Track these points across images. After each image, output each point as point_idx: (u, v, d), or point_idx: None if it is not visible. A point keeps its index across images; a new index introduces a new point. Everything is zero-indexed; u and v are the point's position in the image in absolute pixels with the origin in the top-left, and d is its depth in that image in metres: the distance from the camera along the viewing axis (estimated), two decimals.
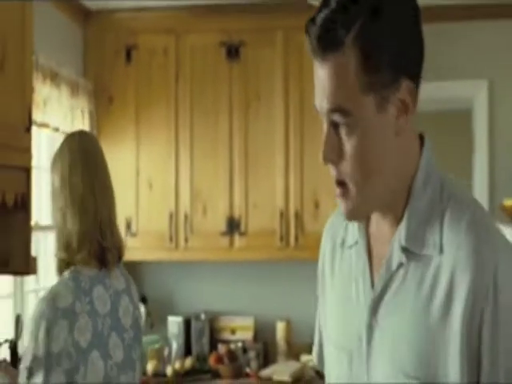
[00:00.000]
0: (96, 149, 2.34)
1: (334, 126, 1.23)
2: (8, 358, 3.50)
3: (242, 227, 4.63)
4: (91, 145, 2.33)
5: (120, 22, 4.72)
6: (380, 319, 1.26)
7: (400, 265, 1.24)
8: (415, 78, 1.23)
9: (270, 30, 4.61)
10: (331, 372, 1.42)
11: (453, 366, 1.16)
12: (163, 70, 4.72)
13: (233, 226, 4.64)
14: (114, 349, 2.23)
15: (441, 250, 1.19)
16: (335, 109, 1.21)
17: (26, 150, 3.24)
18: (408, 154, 1.25)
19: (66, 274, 2.19)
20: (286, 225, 4.58)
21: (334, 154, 1.23)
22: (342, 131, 1.22)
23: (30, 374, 2.07)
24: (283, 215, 4.58)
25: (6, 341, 3.55)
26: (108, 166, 2.37)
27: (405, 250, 1.23)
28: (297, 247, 4.55)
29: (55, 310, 2.10)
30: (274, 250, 4.59)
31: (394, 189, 1.25)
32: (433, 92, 4.54)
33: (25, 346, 2.20)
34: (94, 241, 2.22)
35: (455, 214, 1.20)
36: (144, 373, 4.47)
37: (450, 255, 1.17)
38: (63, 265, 2.23)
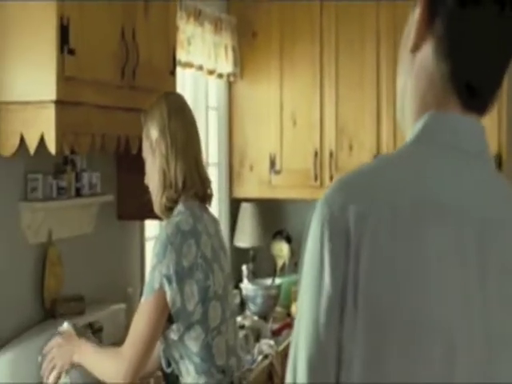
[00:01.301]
0: (186, 103, 2.57)
1: None
2: None
3: None
4: (183, 101, 2.56)
5: None
6: None
7: None
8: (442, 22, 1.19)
9: None
10: None
11: None
12: (307, 3, 4.55)
13: None
14: (224, 263, 2.48)
15: None
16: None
17: None
18: (419, 102, 1.22)
19: (179, 206, 2.41)
20: None
21: None
22: None
23: (161, 287, 2.28)
24: None
25: None
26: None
27: None
28: None
29: (181, 233, 2.33)
30: None
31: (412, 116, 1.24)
32: None
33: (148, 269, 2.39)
34: (196, 179, 2.44)
35: None
36: (288, 314, 4.46)
37: None
38: (169, 204, 2.42)
